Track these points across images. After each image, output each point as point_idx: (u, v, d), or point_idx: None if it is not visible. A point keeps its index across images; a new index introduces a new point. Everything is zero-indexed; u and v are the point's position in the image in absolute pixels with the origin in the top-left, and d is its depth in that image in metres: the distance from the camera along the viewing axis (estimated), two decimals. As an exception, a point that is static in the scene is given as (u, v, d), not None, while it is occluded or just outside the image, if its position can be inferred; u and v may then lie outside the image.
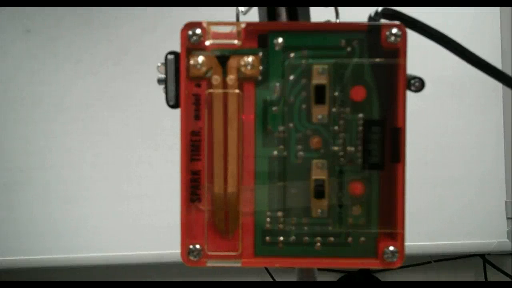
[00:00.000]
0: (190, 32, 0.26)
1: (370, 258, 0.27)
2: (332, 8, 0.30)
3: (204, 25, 0.26)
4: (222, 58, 0.26)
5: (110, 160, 0.82)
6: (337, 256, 0.27)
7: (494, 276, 0.87)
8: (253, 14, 0.31)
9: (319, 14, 0.30)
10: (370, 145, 0.26)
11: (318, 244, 0.27)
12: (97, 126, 0.82)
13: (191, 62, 0.26)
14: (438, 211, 0.82)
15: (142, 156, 0.82)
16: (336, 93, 0.26)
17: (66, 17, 0.82)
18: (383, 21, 0.27)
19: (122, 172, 0.82)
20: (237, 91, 0.26)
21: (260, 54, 0.26)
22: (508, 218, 0.83)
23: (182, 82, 0.26)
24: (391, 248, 0.26)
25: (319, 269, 0.33)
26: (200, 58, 0.26)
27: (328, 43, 0.26)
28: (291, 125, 0.26)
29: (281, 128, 0.26)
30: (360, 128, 0.26)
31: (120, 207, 0.82)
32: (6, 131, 0.82)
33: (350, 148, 0.26)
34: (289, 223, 0.27)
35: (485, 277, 0.87)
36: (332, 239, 0.27)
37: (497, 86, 0.39)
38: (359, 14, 0.29)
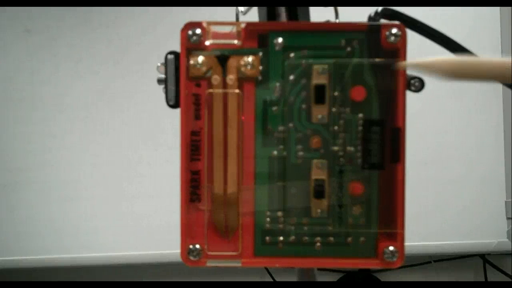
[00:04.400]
0: (190, 32, 0.26)
1: (370, 258, 0.27)
2: (332, 8, 0.30)
3: (204, 25, 0.26)
4: (222, 58, 0.26)
5: (110, 160, 0.82)
6: (337, 256, 0.27)
7: (494, 276, 0.87)
8: (253, 14, 0.31)
9: (319, 14, 0.30)
10: (370, 145, 0.26)
11: (318, 244, 0.27)
12: (97, 126, 0.82)
13: (191, 62, 0.26)
14: (438, 211, 0.82)
15: (142, 156, 0.82)
16: (336, 93, 0.26)
17: (66, 17, 0.82)
18: (383, 21, 0.27)
19: (122, 172, 0.82)
20: (237, 91, 0.26)
21: (260, 54, 0.26)
22: (508, 218, 0.83)
23: (182, 82, 0.26)
24: (391, 248, 0.26)
25: (319, 269, 0.33)
26: (200, 58, 0.26)
27: (328, 43, 0.26)
28: (291, 125, 0.26)
29: (281, 128, 0.26)
30: (360, 128, 0.26)
31: (120, 207, 0.82)
32: (6, 131, 0.82)
33: (350, 148, 0.26)
34: (289, 223, 0.27)
35: (485, 277, 0.87)
36: (332, 239, 0.27)
37: (497, 86, 0.39)
38: (359, 14, 0.29)
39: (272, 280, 0.86)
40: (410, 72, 0.26)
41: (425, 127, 0.81)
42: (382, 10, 0.28)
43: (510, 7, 0.82)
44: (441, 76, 0.21)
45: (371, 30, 0.26)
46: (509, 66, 0.21)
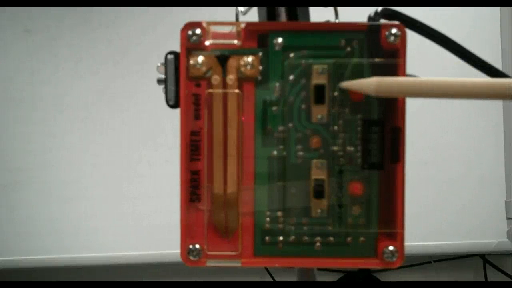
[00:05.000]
0: (190, 32, 0.26)
1: (370, 258, 0.27)
2: (331, 8, 0.30)
3: (204, 25, 0.26)
4: (222, 58, 0.26)
5: (110, 160, 0.82)
6: (337, 256, 0.27)
7: (494, 276, 0.87)
8: (252, 14, 0.31)
9: (319, 14, 0.30)
10: (369, 145, 0.26)
11: (318, 244, 0.27)
12: (97, 126, 0.82)
13: (191, 62, 0.26)
14: (438, 211, 0.82)
15: (142, 156, 0.82)
16: (336, 93, 0.26)
17: (66, 17, 0.82)
18: (382, 21, 0.27)
19: (122, 172, 0.82)
20: (236, 91, 0.26)
21: (260, 54, 0.26)
22: (508, 218, 0.83)
23: (182, 82, 0.26)
24: (391, 248, 0.26)
25: (319, 269, 0.33)
26: (200, 58, 0.26)
27: (328, 43, 0.26)
28: (290, 125, 0.26)
29: (280, 128, 0.26)
30: (360, 128, 0.26)
31: (120, 207, 0.82)
32: (6, 131, 0.82)
33: (350, 148, 0.26)
34: (289, 223, 0.27)
35: (485, 277, 0.87)
36: (331, 239, 0.27)
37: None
38: (359, 14, 0.29)
39: (272, 280, 0.86)
40: (410, 71, 0.26)
41: (425, 127, 0.81)
42: (382, 10, 0.27)
43: (510, 7, 0.82)
44: (369, 93, 0.25)
45: (371, 30, 0.26)
46: (425, 83, 0.24)
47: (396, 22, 0.26)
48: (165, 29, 0.78)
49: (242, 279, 0.85)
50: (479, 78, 0.24)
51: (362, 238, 0.27)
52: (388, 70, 0.26)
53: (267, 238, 0.27)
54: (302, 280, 0.32)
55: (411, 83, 0.24)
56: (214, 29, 0.26)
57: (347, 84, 0.26)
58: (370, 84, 0.25)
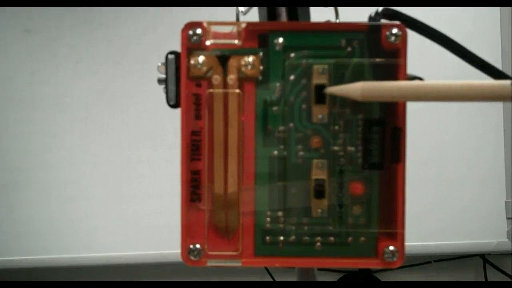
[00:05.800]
0: (190, 32, 0.26)
1: (370, 258, 0.27)
2: (332, 8, 0.30)
3: (205, 25, 0.26)
4: (223, 58, 0.26)
5: (110, 160, 0.82)
6: (337, 256, 0.27)
7: (494, 276, 0.87)
8: (253, 14, 0.31)
9: (319, 14, 0.30)
10: (370, 145, 0.26)
11: (318, 244, 0.27)
12: (97, 126, 0.82)
13: (192, 62, 0.26)
14: (438, 211, 0.82)
15: (142, 156, 0.82)
16: (336, 93, 0.26)
17: (66, 17, 0.82)
18: (383, 21, 0.27)
19: (122, 172, 0.82)
20: (237, 91, 0.26)
21: (261, 54, 0.26)
22: (508, 218, 0.83)
23: (182, 82, 0.26)
24: (391, 248, 0.26)
25: (319, 269, 0.33)
26: (201, 58, 0.26)
27: (328, 43, 0.26)
28: (291, 125, 0.26)
29: (281, 128, 0.26)
30: (360, 128, 0.26)
31: (120, 207, 0.82)
32: (6, 131, 0.82)
33: (350, 148, 0.26)
34: (289, 223, 0.27)
35: (485, 277, 0.87)
36: (332, 239, 0.27)
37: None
38: (359, 14, 0.29)
39: (272, 280, 0.86)
40: (410, 71, 0.26)
41: (425, 127, 0.81)
42: (382, 10, 0.27)
43: (510, 7, 0.82)
44: (355, 99, 0.25)
45: (372, 30, 0.26)
46: (413, 87, 0.24)
47: (397, 22, 0.26)
48: (165, 29, 0.78)
49: (242, 279, 0.85)
50: (464, 80, 0.24)
51: (362, 238, 0.27)
52: (389, 70, 0.26)
53: (267, 238, 0.27)
54: (302, 280, 0.32)
55: (395, 87, 0.24)
56: (215, 29, 0.26)
57: (333, 89, 0.26)
58: (355, 89, 0.25)
